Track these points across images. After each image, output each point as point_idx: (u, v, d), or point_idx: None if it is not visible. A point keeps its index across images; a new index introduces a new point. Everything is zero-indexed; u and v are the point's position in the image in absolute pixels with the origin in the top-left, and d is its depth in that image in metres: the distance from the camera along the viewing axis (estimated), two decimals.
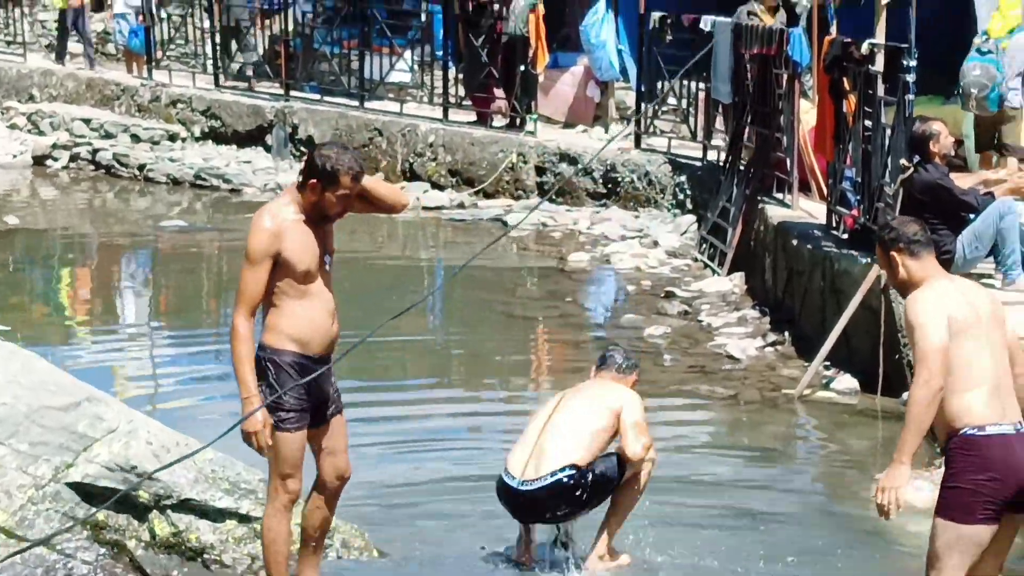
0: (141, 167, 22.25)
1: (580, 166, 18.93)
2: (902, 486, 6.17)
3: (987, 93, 15.03)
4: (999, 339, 6.36)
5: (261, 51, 24.89)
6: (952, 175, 11.80)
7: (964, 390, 6.17)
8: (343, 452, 6.98)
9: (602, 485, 7.71)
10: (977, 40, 15.39)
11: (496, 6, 20.49)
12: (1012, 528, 6.35)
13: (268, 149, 22.55)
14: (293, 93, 23.18)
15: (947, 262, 11.40)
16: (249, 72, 24.45)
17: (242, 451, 8.23)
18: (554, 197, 19.12)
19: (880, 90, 12.16)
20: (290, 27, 23.81)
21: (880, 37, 12.64)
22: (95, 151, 22.96)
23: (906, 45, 11.65)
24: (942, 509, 6.26)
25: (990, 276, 11.53)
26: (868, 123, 12.36)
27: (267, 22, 24.80)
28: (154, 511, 7.59)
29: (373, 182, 6.95)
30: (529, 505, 7.67)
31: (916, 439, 6.14)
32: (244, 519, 7.64)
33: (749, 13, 16.13)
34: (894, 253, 6.43)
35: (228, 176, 21.49)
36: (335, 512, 7.18)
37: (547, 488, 7.59)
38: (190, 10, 25.65)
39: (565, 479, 7.58)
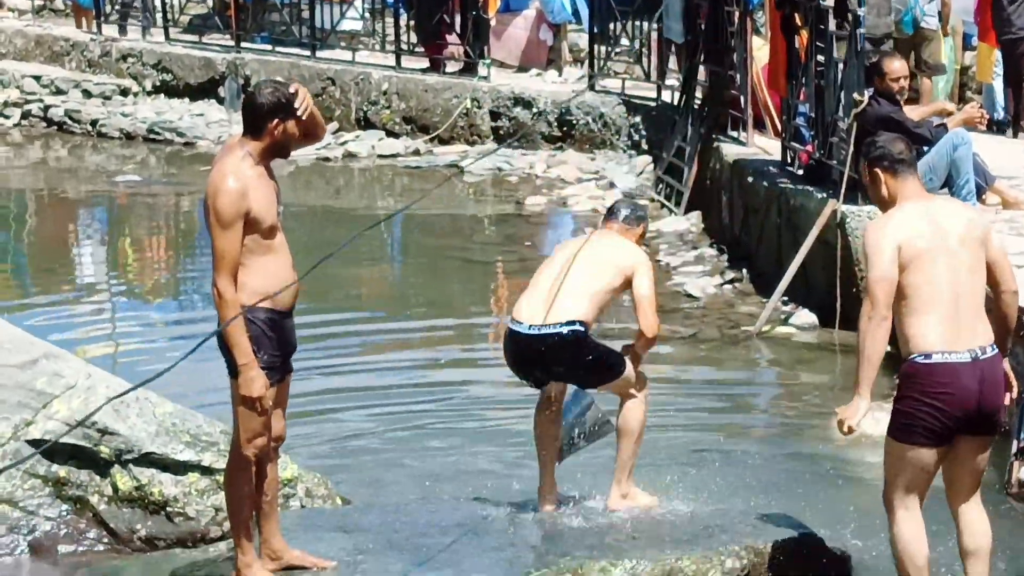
0: (93, 123, 22.11)
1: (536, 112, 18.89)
2: (856, 416, 6.40)
3: (902, 16, 15.93)
4: (966, 260, 6.38)
5: (211, 3, 24.70)
6: (906, 108, 11.84)
7: (915, 316, 6.30)
8: (283, 414, 6.94)
9: (600, 363, 7.67)
10: None
11: None
12: (978, 450, 6.46)
13: (221, 101, 22.40)
14: (244, 44, 23.03)
15: None
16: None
17: (202, 403, 8.27)
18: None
19: (831, 25, 12.16)
20: None
21: None
22: (47, 108, 22.80)
23: None
24: (888, 428, 6.48)
25: None
26: (820, 58, 12.36)
27: None
28: (116, 466, 7.58)
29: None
30: (533, 350, 7.62)
31: (868, 370, 6.35)
32: (207, 471, 7.64)
33: None
34: (878, 170, 6.53)
35: (181, 130, 21.39)
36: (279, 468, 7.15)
37: (552, 336, 7.56)
38: None
39: (567, 333, 7.55)
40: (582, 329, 7.60)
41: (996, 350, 6.39)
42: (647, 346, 7.84)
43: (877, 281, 6.30)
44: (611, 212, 8.17)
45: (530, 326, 7.66)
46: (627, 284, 7.77)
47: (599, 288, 7.70)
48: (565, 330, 7.58)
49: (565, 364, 7.69)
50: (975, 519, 6.52)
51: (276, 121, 6.62)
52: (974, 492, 6.54)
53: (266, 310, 6.62)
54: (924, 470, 6.40)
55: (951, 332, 6.30)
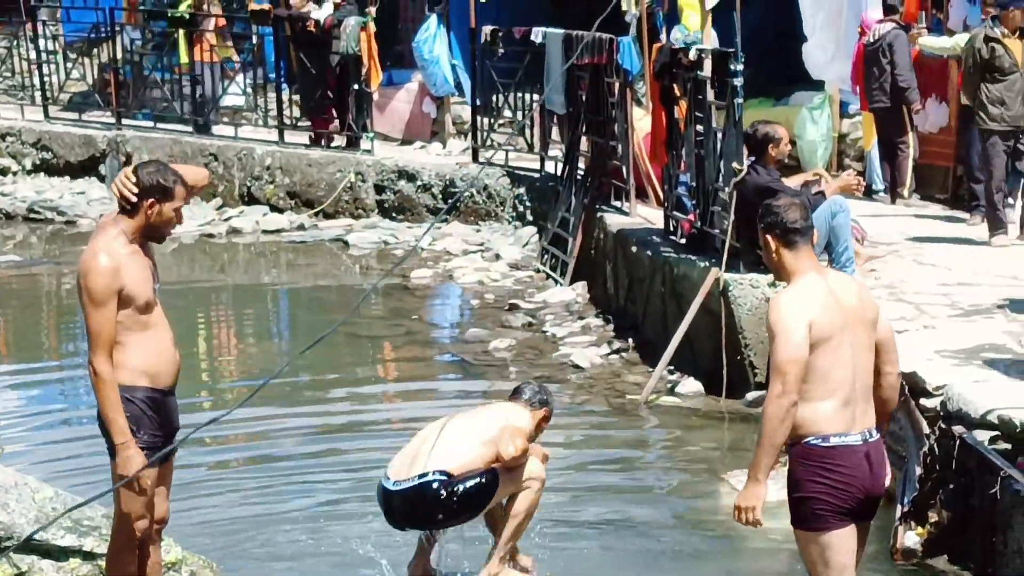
0: None
1: (470, 183, 18.87)
2: (758, 505, 6.07)
3: None
4: (864, 339, 6.18)
5: (90, 80, 24.51)
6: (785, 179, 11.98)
7: (815, 400, 6.03)
8: (166, 495, 6.88)
9: (474, 498, 7.57)
10: None
11: (322, 23, 20.21)
12: (862, 536, 6.29)
13: (102, 179, 22.21)
14: (125, 121, 22.87)
15: None
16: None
17: (83, 488, 8.12)
18: (393, 214, 19.19)
19: (710, 95, 12.29)
20: (119, 55, 23.47)
21: (707, 43, 12.79)
22: None
23: (732, 49, 11.80)
24: (796, 521, 6.19)
25: None
26: (700, 128, 12.49)
27: (95, 50, 24.42)
28: None
29: (187, 173, 6.86)
30: (398, 507, 7.56)
31: (771, 456, 6.00)
32: (88, 556, 7.50)
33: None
34: (770, 238, 6.25)
35: (62, 208, 21.16)
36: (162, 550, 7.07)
37: (414, 489, 7.49)
38: (15, 41, 25.21)
39: (434, 484, 7.47)
40: (445, 479, 7.49)
41: (879, 433, 6.24)
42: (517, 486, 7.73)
43: (792, 362, 5.92)
44: (516, 391, 8.06)
45: (394, 482, 7.58)
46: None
47: (475, 438, 7.63)
48: (431, 480, 7.50)
49: (436, 515, 7.59)
50: None
51: (151, 201, 6.57)
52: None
53: (145, 389, 6.55)
54: (849, 551, 6.15)
55: (848, 415, 6.08)
